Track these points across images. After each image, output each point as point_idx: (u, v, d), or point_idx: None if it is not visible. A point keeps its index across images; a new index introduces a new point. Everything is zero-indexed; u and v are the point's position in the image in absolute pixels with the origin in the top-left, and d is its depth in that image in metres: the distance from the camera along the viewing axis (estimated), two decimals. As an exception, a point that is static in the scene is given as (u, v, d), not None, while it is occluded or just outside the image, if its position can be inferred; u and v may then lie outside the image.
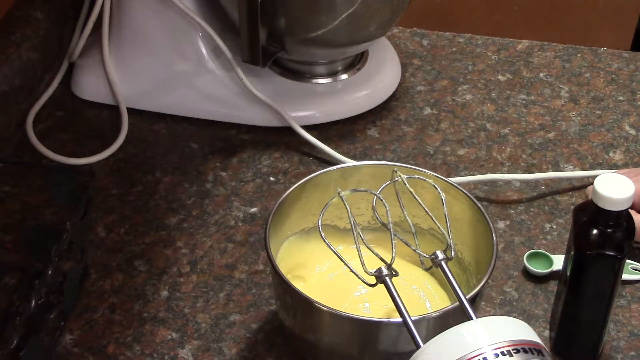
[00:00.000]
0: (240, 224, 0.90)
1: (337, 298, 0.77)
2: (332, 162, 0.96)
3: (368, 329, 0.71)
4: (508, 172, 0.97)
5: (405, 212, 0.76)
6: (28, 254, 0.71)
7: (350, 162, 0.90)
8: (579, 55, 1.15)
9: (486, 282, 0.72)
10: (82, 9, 1.07)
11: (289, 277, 0.74)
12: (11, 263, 0.70)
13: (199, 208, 0.92)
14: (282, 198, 0.78)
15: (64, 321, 0.79)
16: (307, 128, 1.00)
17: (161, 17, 0.99)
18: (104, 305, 0.82)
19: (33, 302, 0.69)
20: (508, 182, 0.96)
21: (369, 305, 0.78)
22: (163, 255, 0.87)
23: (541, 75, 1.11)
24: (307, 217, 0.81)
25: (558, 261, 0.85)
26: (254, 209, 0.92)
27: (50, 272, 0.71)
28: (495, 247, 0.74)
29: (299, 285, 0.75)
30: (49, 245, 0.72)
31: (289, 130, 1.00)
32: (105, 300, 0.82)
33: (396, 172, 0.77)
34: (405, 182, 0.76)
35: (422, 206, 0.74)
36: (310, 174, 0.80)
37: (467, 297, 0.68)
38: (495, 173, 0.97)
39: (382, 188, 0.74)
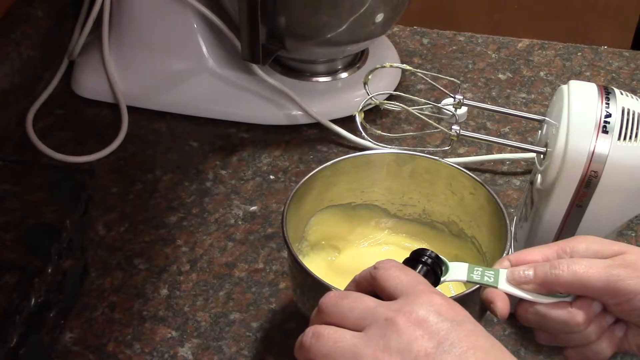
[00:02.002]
0: (240, 223, 0.90)
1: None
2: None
3: None
4: (508, 171, 0.97)
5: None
6: (28, 252, 0.71)
7: (405, 150, 0.84)
8: (580, 54, 1.15)
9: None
10: (82, 7, 1.07)
11: (323, 243, 0.77)
12: (11, 261, 0.70)
13: (199, 206, 0.92)
14: (332, 162, 0.77)
15: (64, 319, 0.79)
16: (307, 126, 1.00)
17: (161, 15, 0.99)
18: (103, 303, 0.82)
19: (33, 301, 0.68)
20: (508, 182, 0.96)
21: None
22: (163, 253, 0.87)
23: (541, 73, 1.11)
24: (356, 193, 0.81)
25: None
26: (253, 208, 0.92)
27: (50, 270, 0.71)
28: (509, 233, 0.71)
29: (332, 254, 0.79)
30: (49, 244, 0.72)
31: (288, 129, 1.00)
32: (105, 299, 0.82)
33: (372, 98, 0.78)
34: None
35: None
36: (309, 173, 0.79)
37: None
38: (495, 172, 0.97)
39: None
